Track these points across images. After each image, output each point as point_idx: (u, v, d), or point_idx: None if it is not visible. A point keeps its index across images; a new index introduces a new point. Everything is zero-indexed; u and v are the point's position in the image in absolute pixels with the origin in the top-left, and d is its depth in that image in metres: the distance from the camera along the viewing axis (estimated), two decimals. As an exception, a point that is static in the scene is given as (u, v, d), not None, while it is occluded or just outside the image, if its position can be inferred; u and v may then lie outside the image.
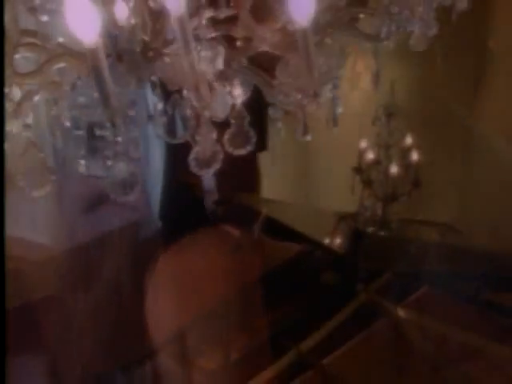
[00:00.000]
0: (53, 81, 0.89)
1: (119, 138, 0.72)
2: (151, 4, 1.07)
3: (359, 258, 2.71)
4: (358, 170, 2.81)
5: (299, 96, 0.74)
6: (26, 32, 0.98)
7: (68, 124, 0.96)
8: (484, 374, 2.17)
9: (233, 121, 0.99)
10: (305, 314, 2.63)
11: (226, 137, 1.00)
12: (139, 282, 3.46)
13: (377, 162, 2.87)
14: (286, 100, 0.80)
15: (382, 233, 2.82)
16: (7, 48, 0.91)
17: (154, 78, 1.05)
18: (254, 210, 2.94)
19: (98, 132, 0.67)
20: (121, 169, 0.79)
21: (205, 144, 0.86)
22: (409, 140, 2.90)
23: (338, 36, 1.04)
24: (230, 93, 1.01)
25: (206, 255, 3.39)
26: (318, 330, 2.51)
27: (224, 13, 1.06)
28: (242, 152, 1.02)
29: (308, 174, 3.46)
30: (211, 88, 0.88)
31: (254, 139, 1.02)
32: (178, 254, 3.54)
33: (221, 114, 1.00)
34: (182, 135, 1.09)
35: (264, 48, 0.99)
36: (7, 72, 0.87)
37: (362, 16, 1.05)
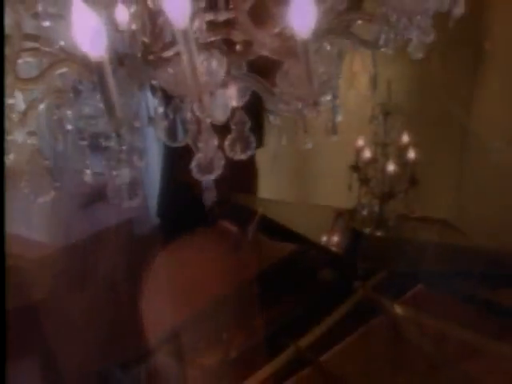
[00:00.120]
0: (57, 89, 0.90)
1: (124, 147, 0.74)
2: (151, 5, 1.09)
3: (357, 257, 2.72)
4: (356, 168, 2.83)
5: (299, 105, 0.75)
6: (28, 36, 0.99)
7: (70, 127, 0.98)
8: (481, 371, 2.20)
9: (234, 126, 1.01)
10: (303, 311, 2.64)
11: (227, 142, 1.01)
12: (136, 279, 3.47)
13: (374, 161, 2.89)
14: (286, 108, 0.82)
15: (380, 232, 2.84)
16: (10, 54, 0.92)
17: (154, 82, 1.07)
18: (250, 210, 2.95)
19: (103, 142, 0.68)
20: (124, 175, 0.81)
21: (207, 151, 0.88)
22: (405, 138, 2.92)
23: (337, 41, 1.06)
24: (230, 95, 1.03)
25: (204, 252, 3.41)
26: (315, 327, 2.52)
27: (223, 16, 1.08)
28: (242, 157, 1.04)
29: (305, 172, 3.48)
30: (211, 93, 0.89)
31: (254, 144, 1.03)
32: (175, 251, 3.56)
33: (221, 117, 1.02)
34: (182, 139, 1.10)
35: (264, 53, 1.01)
36: (10, 78, 0.89)
37: (359, 22, 1.07)
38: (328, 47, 1.04)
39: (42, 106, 0.85)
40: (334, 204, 3.46)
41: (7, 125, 0.73)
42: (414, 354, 2.34)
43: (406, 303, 2.63)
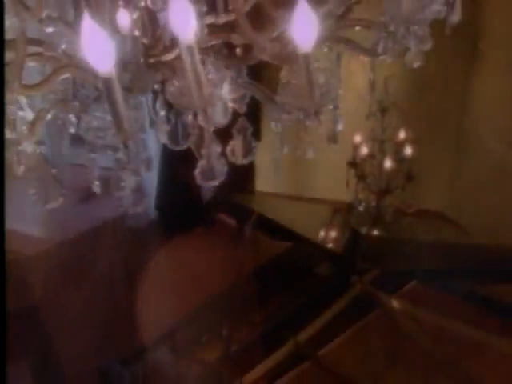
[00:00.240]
0: (63, 99, 0.92)
1: (131, 158, 0.76)
2: (152, 8, 1.10)
3: (356, 256, 2.75)
4: (353, 164, 2.85)
5: (301, 116, 0.77)
6: (32, 41, 1.00)
7: (72, 130, 1.00)
8: (478, 364, 2.23)
9: (236, 132, 1.03)
10: (301, 306, 2.66)
11: (229, 148, 1.03)
12: (135, 274, 3.49)
13: (371, 157, 2.91)
14: (288, 117, 0.84)
15: (377, 228, 2.86)
16: (16, 60, 0.93)
17: (156, 87, 1.09)
18: (248, 208, 2.97)
19: (113, 155, 0.70)
20: (130, 183, 0.83)
21: (210, 158, 0.90)
22: (402, 135, 2.94)
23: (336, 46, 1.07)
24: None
25: (203, 248, 3.43)
26: (314, 321, 2.54)
27: (223, 18, 1.09)
28: (243, 162, 1.06)
29: (303, 167, 3.49)
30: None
31: (255, 149, 1.06)
32: (174, 246, 3.58)
33: (222, 119, 1.04)
34: (184, 142, 1.12)
35: (264, 58, 1.03)
36: (15, 85, 0.90)
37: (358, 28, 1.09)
38: (326, 50, 1.07)
39: (49, 116, 0.87)
40: (331, 198, 3.49)
41: (17, 136, 0.75)
42: (412, 347, 2.36)
43: (403, 297, 2.66)
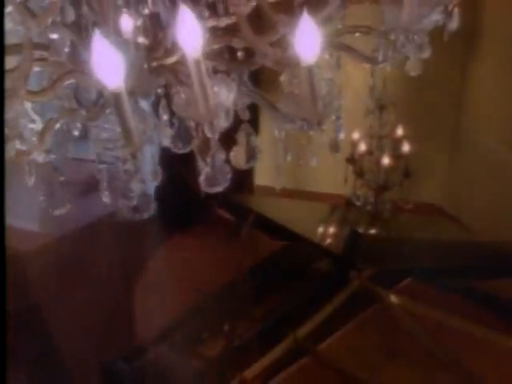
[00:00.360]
0: (71, 108, 0.94)
1: (139, 168, 0.78)
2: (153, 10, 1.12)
3: (355, 258, 2.78)
4: (351, 160, 2.87)
5: (305, 126, 0.79)
6: (37, 46, 1.02)
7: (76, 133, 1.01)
8: (474, 358, 2.26)
9: (239, 138, 1.05)
10: (300, 302, 2.69)
11: (233, 153, 1.05)
12: (134, 270, 3.50)
13: (369, 153, 2.93)
14: (291, 126, 0.86)
15: (375, 227, 2.88)
16: (22, 68, 0.95)
17: (159, 91, 1.10)
18: (246, 208, 2.98)
19: (122, 167, 0.73)
20: (137, 192, 0.85)
21: (214, 165, 0.92)
22: (400, 131, 2.96)
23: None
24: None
25: (201, 245, 3.45)
26: (313, 317, 2.57)
27: (224, 21, 1.11)
28: (246, 167, 1.08)
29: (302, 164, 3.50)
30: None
31: (258, 154, 1.08)
32: (174, 241, 3.60)
33: (223, 122, 1.05)
34: (187, 146, 1.14)
35: (266, 63, 1.05)
36: (21, 91, 0.92)
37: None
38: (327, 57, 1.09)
39: (57, 126, 0.89)
40: (329, 196, 3.52)
41: (27, 147, 0.77)
42: (410, 342, 2.39)
43: (402, 292, 2.68)
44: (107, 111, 0.94)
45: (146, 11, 1.11)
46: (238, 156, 1.06)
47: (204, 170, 0.94)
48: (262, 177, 3.84)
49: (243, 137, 1.04)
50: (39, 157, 0.79)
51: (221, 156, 0.93)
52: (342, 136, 0.86)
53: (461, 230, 3.44)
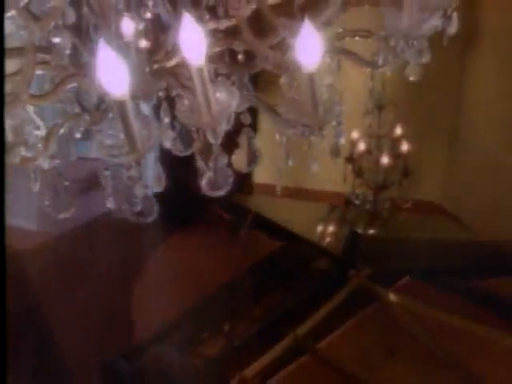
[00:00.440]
0: (74, 112, 0.95)
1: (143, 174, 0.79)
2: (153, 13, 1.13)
3: (355, 259, 2.79)
4: (351, 159, 2.87)
5: (306, 132, 0.80)
6: (39, 49, 1.02)
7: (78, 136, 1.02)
8: (471, 354, 2.27)
9: (241, 142, 1.06)
10: (300, 300, 2.70)
11: (234, 156, 1.06)
12: (133, 268, 3.51)
13: (368, 152, 2.94)
14: (292, 131, 0.87)
15: (374, 226, 2.90)
16: (25, 72, 0.95)
17: (160, 94, 1.11)
18: (245, 208, 2.99)
19: (126, 173, 0.73)
20: (140, 197, 0.86)
21: (217, 170, 0.93)
22: (398, 131, 2.97)
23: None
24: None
25: (201, 243, 3.46)
26: (312, 315, 2.58)
27: (224, 24, 1.12)
28: (248, 170, 1.09)
29: (302, 162, 3.51)
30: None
31: (259, 157, 1.09)
32: (174, 240, 3.60)
33: (224, 125, 1.06)
34: (189, 148, 1.15)
35: (267, 67, 1.05)
36: (24, 96, 0.93)
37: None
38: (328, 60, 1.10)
39: (62, 131, 0.89)
40: (329, 195, 3.53)
41: (33, 153, 0.78)
42: (410, 341, 2.40)
43: (401, 291, 2.69)
44: (110, 116, 0.95)
45: (148, 15, 1.12)
46: (239, 159, 1.07)
47: (206, 174, 0.95)
48: (261, 175, 3.85)
49: (245, 140, 1.06)
50: (44, 163, 0.80)
51: (223, 160, 0.94)
52: (342, 141, 0.87)
53: (460, 229, 3.46)
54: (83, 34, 1.10)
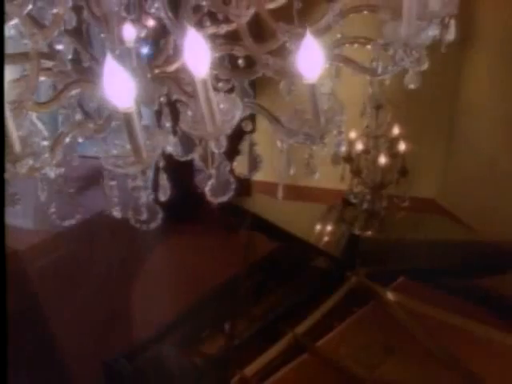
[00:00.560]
0: (81, 121, 0.96)
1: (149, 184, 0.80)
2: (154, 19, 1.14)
3: (355, 260, 2.81)
4: (348, 159, 2.88)
5: (308, 141, 0.82)
6: (43, 55, 1.04)
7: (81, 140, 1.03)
8: (470, 352, 2.29)
9: (243, 148, 1.07)
10: (299, 299, 2.72)
11: (236, 163, 1.08)
12: (132, 267, 3.52)
13: (365, 152, 2.95)
14: (293, 139, 0.88)
15: (372, 225, 2.90)
16: (30, 80, 0.96)
17: (162, 99, 1.12)
18: (244, 209, 3.00)
19: (131, 183, 0.75)
20: (144, 204, 0.88)
21: (219, 176, 0.94)
22: (396, 130, 2.98)
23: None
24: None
25: (202, 241, 3.48)
26: (311, 314, 2.60)
27: (224, 28, 1.13)
28: (250, 176, 1.11)
29: (302, 160, 3.53)
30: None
31: (261, 164, 1.10)
32: (174, 239, 3.61)
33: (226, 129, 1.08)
34: (190, 153, 1.16)
35: (267, 74, 1.07)
36: (28, 104, 0.94)
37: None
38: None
39: (67, 139, 0.91)
40: (327, 194, 3.54)
41: (40, 163, 0.80)
42: (408, 338, 2.42)
43: (400, 290, 2.71)
44: (113, 124, 0.97)
45: (151, 23, 1.13)
46: (240, 165, 1.09)
47: (209, 181, 0.96)
48: (260, 173, 3.85)
49: (246, 146, 1.07)
50: (50, 172, 0.82)
51: (225, 167, 0.95)
52: (342, 149, 0.89)
53: (458, 228, 3.47)
54: (84, 38, 1.11)
